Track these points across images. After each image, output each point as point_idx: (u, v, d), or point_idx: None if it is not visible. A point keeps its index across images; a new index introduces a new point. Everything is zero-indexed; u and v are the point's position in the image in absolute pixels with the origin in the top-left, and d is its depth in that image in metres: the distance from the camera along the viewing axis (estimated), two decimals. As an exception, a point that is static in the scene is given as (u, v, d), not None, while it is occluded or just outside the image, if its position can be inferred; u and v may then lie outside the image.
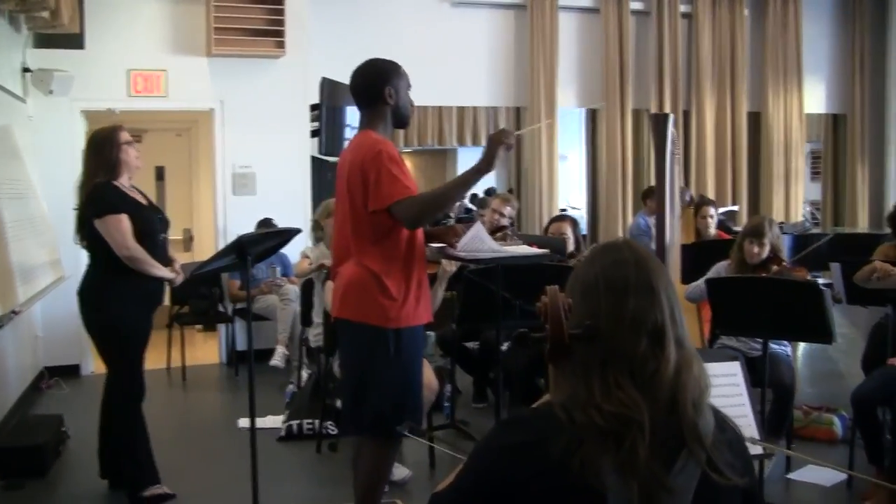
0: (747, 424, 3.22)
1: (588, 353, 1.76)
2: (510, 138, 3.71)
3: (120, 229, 4.67)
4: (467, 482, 1.81)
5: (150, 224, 4.85)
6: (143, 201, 4.95)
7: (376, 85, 3.83)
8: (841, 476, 5.20)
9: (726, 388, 3.26)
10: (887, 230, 7.88)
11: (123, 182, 4.85)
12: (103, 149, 4.81)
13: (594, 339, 1.76)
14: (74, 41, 7.88)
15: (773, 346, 5.20)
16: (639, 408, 1.69)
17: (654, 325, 1.75)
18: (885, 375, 5.03)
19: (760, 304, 4.74)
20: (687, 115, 11.19)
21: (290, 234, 4.98)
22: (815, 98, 12.04)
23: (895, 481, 4.64)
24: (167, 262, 4.95)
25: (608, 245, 1.93)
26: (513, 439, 1.76)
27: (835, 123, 12.36)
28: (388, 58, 3.97)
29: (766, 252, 5.39)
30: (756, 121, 11.68)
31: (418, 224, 3.78)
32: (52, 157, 7.79)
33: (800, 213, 11.77)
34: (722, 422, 1.84)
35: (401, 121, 3.93)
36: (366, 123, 3.88)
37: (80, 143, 8.04)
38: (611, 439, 1.68)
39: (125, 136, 4.89)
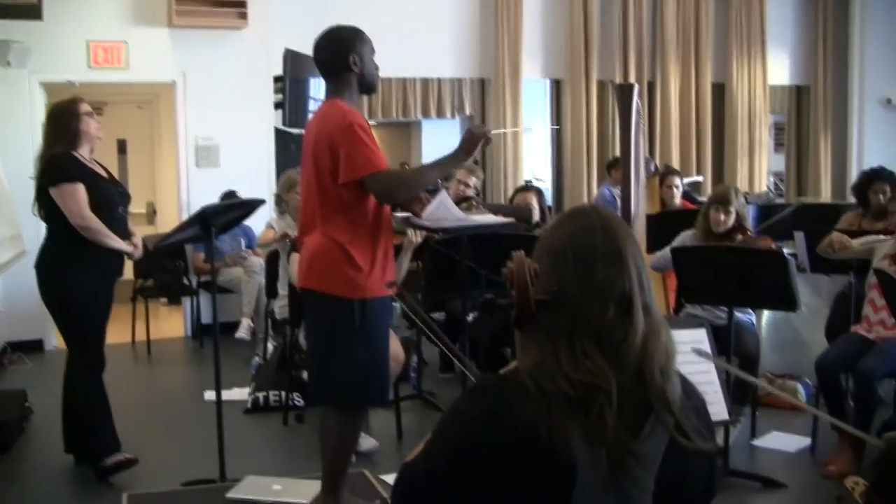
0: (713, 391, 3.25)
1: (555, 321, 1.74)
2: (488, 131, 3.71)
3: (75, 198, 4.59)
4: (436, 451, 1.80)
5: (108, 196, 4.76)
6: (104, 174, 4.87)
7: (341, 53, 3.79)
8: (805, 442, 5.26)
9: (693, 355, 3.27)
10: (851, 200, 7.99)
11: (83, 154, 4.77)
12: (62, 119, 4.74)
13: (561, 305, 1.74)
14: (32, 11, 7.76)
15: (738, 315, 5.23)
16: (606, 376, 1.68)
17: (621, 293, 1.73)
18: (848, 343, 5.08)
19: (726, 272, 4.76)
20: (651, 86, 11.19)
21: (253, 205, 4.95)
22: (779, 70, 12.08)
23: (858, 447, 4.71)
24: (126, 236, 4.86)
25: (576, 211, 1.90)
26: (480, 408, 1.75)
27: (798, 95, 12.42)
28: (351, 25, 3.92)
29: (731, 220, 5.41)
30: (720, 92, 11.71)
31: (390, 199, 3.77)
32: (10, 130, 7.69)
33: (763, 183, 11.83)
34: (688, 388, 1.83)
35: (368, 87, 3.89)
36: (332, 92, 3.84)
37: (39, 116, 7.95)
38: (578, 407, 1.66)
39: (85, 107, 4.80)
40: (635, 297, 1.75)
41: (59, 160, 4.67)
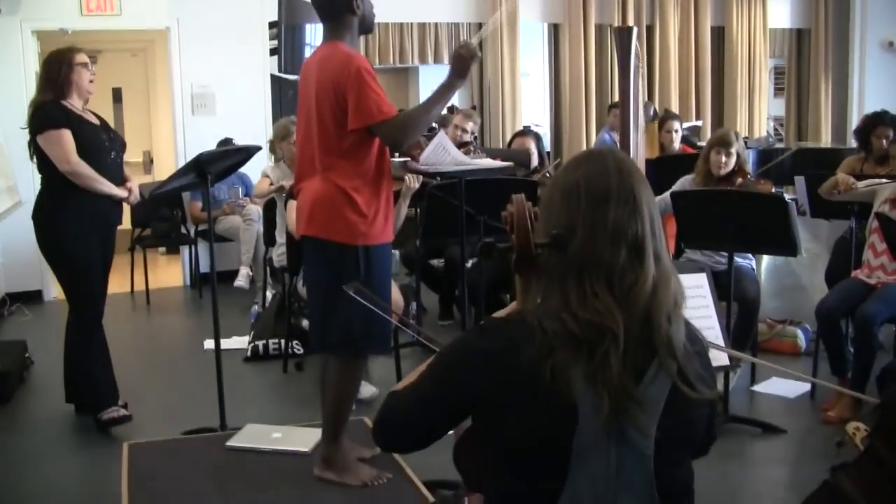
0: (714, 336, 3.24)
1: (562, 262, 1.72)
2: (475, 49, 3.64)
3: (60, 144, 4.56)
4: (430, 384, 1.80)
5: (97, 142, 4.72)
6: (94, 121, 4.81)
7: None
8: (804, 387, 5.27)
9: (694, 300, 3.26)
10: (851, 144, 7.94)
11: (73, 103, 4.70)
12: (53, 67, 4.68)
13: (568, 246, 1.72)
14: (22, -43, 7.65)
15: (738, 260, 5.21)
16: (614, 317, 1.67)
17: (634, 237, 1.72)
18: (848, 288, 5.07)
19: (726, 217, 4.73)
20: (650, 29, 11.07)
21: (250, 151, 4.90)
22: (779, 13, 11.95)
23: (857, 391, 4.71)
24: (120, 182, 4.82)
25: (592, 152, 1.89)
26: (482, 345, 1.74)
27: (798, 39, 12.30)
28: None
29: (732, 162, 5.37)
30: (720, 36, 11.60)
31: (401, 145, 3.72)
32: (2, 79, 7.61)
33: (763, 128, 11.76)
34: (692, 333, 1.82)
35: (367, 27, 3.82)
36: (331, 34, 3.72)
37: (32, 65, 7.90)
38: (583, 348, 1.65)
39: (81, 57, 4.72)
40: (647, 242, 1.73)
41: (44, 108, 4.63)
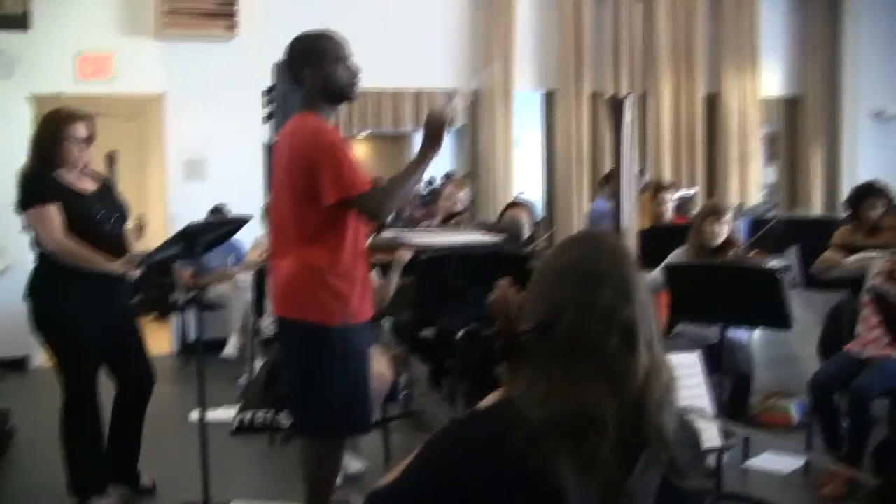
0: (705, 416, 3.18)
1: (551, 347, 1.68)
2: (446, 113, 3.60)
3: (44, 222, 4.31)
4: (414, 480, 1.73)
5: (89, 214, 4.44)
6: (89, 187, 4.54)
7: (295, 68, 3.64)
8: (798, 463, 5.20)
9: (686, 380, 3.22)
10: (843, 214, 7.94)
11: (63, 174, 4.45)
12: (43, 137, 4.45)
13: (549, 333, 1.68)
14: (19, 22, 7.70)
15: (732, 333, 5.17)
16: (604, 406, 1.62)
17: (626, 322, 1.67)
18: (842, 361, 5.04)
19: (718, 291, 4.72)
20: (644, 97, 11.15)
21: (240, 222, 4.86)
22: (772, 81, 12.04)
23: (852, 466, 4.64)
24: (120, 253, 4.53)
25: (583, 235, 1.88)
26: (467, 436, 1.69)
27: (790, 107, 12.39)
28: (360, 48, 3.76)
29: (726, 230, 5.36)
30: (713, 104, 11.68)
31: (380, 218, 3.67)
32: (-5, 143, 7.61)
33: (756, 196, 11.79)
34: (684, 422, 1.78)
35: (335, 97, 3.67)
36: (303, 104, 3.68)
37: (25, 129, 7.87)
38: (571, 438, 1.60)
39: (72, 129, 4.45)
40: (639, 328, 1.69)
41: (29, 180, 4.41)
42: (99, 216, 4.48)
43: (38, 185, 4.38)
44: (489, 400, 1.85)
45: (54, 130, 4.43)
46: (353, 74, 3.68)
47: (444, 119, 3.57)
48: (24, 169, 4.52)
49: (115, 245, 4.55)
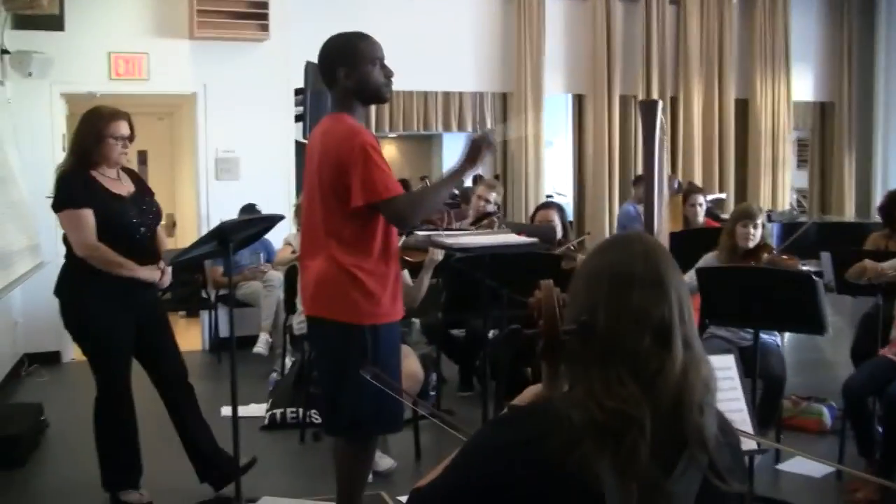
0: (742, 419, 3.17)
1: (587, 349, 1.68)
2: (493, 141, 3.63)
3: (78, 226, 4.29)
4: (455, 480, 1.73)
5: (124, 219, 4.40)
6: (125, 191, 4.50)
7: (328, 67, 3.61)
8: (830, 468, 5.16)
9: (721, 382, 3.18)
10: (876, 218, 7.88)
11: (103, 172, 4.43)
12: (83, 135, 4.41)
13: (593, 333, 1.68)
14: (54, 23, 7.75)
15: (763, 337, 5.14)
16: (640, 406, 1.62)
17: (660, 321, 1.67)
18: (876, 366, 4.98)
19: (752, 294, 4.67)
20: (674, 101, 11.14)
21: (272, 220, 4.86)
22: (803, 86, 12.01)
23: (886, 474, 4.60)
24: (151, 258, 4.54)
25: (620, 237, 1.88)
26: (507, 437, 1.69)
27: (822, 112, 12.33)
28: (391, 50, 3.70)
29: (759, 234, 5.34)
30: (743, 108, 11.65)
31: (405, 225, 3.66)
32: (31, 140, 7.68)
33: (787, 201, 11.74)
34: (724, 424, 1.77)
35: (367, 98, 3.67)
36: (335, 105, 3.66)
37: (59, 127, 7.99)
38: (610, 438, 1.60)
39: (113, 128, 4.39)
40: (675, 327, 1.68)
41: (67, 181, 4.39)
42: (134, 220, 4.47)
43: (74, 187, 4.36)
44: (526, 395, 1.85)
45: (96, 128, 4.39)
46: (388, 76, 3.67)
47: (491, 143, 3.62)
48: (61, 167, 4.52)
49: (148, 249, 4.56)
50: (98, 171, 4.43)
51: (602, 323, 1.68)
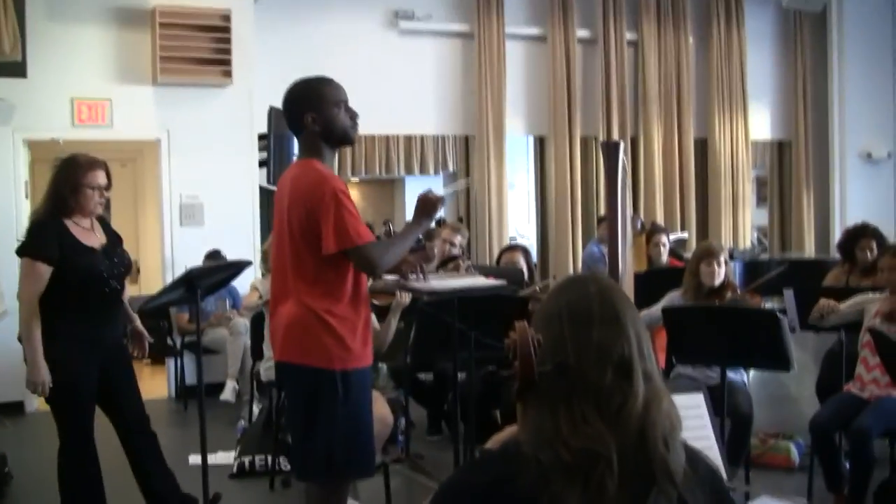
0: (713, 457, 3.18)
1: (554, 388, 1.71)
2: (440, 196, 3.70)
3: (30, 276, 4.24)
4: None
5: (92, 272, 4.36)
6: (97, 243, 4.46)
7: (295, 112, 3.62)
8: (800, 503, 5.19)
9: (691, 421, 3.22)
10: (835, 254, 8.00)
11: (76, 221, 4.40)
12: (59, 183, 4.38)
13: (565, 374, 1.71)
14: (16, 69, 7.72)
15: (730, 374, 5.18)
16: (605, 442, 1.65)
17: (620, 357, 1.72)
18: (842, 402, 5.04)
19: (717, 332, 4.74)
20: (634, 142, 11.26)
21: (240, 266, 4.86)
22: (760, 125, 12.20)
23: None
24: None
25: (573, 278, 1.91)
26: (479, 479, 1.72)
27: (780, 150, 12.52)
28: (353, 94, 3.73)
29: (723, 272, 5.40)
30: (703, 147, 11.80)
31: (376, 272, 3.65)
32: (-8, 187, 7.64)
33: (748, 238, 11.87)
34: (694, 458, 1.79)
35: (336, 141, 3.68)
36: (303, 151, 3.67)
37: (22, 174, 7.93)
38: (578, 476, 1.62)
39: (90, 177, 4.38)
40: (634, 361, 1.73)
41: (37, 229, 4.37)
42: (104, 274, 4.42)
43: (42, 237, 4.32)
44: (499, 437, 1.88)
45: (73, 177, 4.37)
46: (353, 117, 3.70)
47: (438, 201, 3.68)
48: (35, 214, 4.51)
49: (112, 305, 4.53)
50: (72, 219, 4.39)
51: (567, 362, 1.72)
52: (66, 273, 4.30)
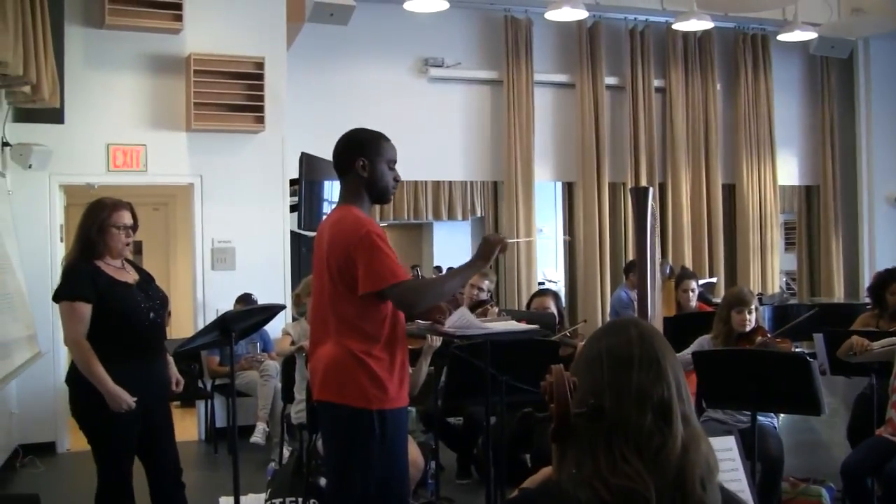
0: (746, 500, 3.19)
1: (593, 429, 1.75)
2: (504, 239, 3.74)
3: (72, 318, 4.31)
4: None
5: (131, 305, 4.43)
6: (131, 279, 4.54)
7: (348, 155, 3.73)
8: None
9: (723, 464, 3.23)
10: (864, 299, 7.97)
11: (108, 262, 4.46)
12: (87, 226, 4.46)
13: (599, 416, 1.75)
14: (54, 116, 7.86)
15: (760, 419, 5.18)
16: (645, 482, 1.68)
17: (659, 400, 1.75)
18: (873, 446, 5.02)
19: (747, 376, 4.73)
20: (663, 187, 11.29)
21: (273, 310, 4.92)
22: (788, 170, 12.21)
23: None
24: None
25: (615, 323, 1.95)
26: None
27: (808, 195, 12.52)
28: (379, 131, 3.85)
29: (754, 318, 5.42)
30: (731, 193, 11.82)
31: (412, 310, 3.71)
32: (29, 231, 7.76)
33: (776, 283, 11.84)
34: (730, 501, 1.82)
35: (376, 196, 3.79)
36: (344, 197, 3.79)
37: (58, 218, 8.06)
38: (618, 515, 1.66)
39: (116, 217, 4.46)
40: (674, 404, 1.76)
41: (69, 273, 4.45)
42: (142, 305, 4.49)
43: (75, 279, 4.39)
44: (537, 478, 1.91)
45: (99, 219, 4.46)
46: (396, 180, 3.83)
47: (503, 242, 3.73)
48: (66, 259, 4.58)
49: (156, 337, 4.57)
50: (103, 261, 4.46)
51: (606, 403, 1.75)
52: (106, 311, 4.36)
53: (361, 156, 3.71)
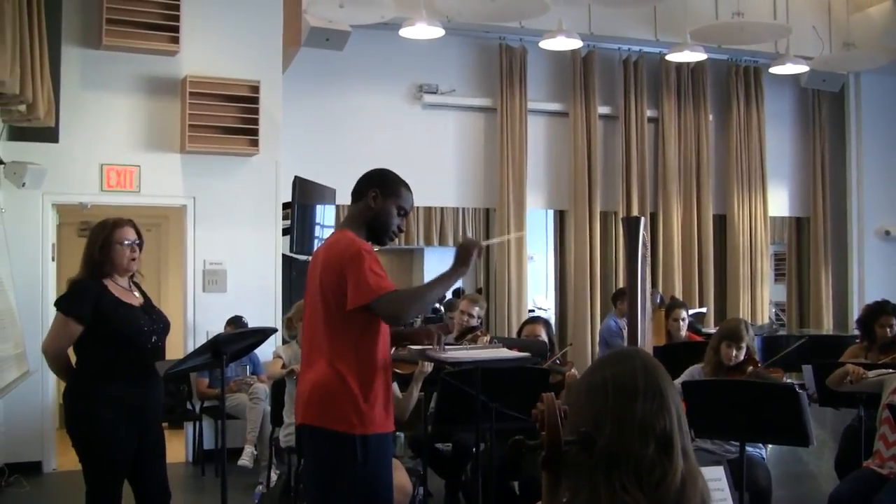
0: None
1: (592, 457, 1.75)
2: (478, 242, 3.76)
3: (59, 331, 4.37)
4: None
5: (135, 327, 4.45)
6: (136, 302, 4.56)
7: (366, 183, 3.81)
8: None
9: (712, 493, 3.24)
10: (854, 331, 8.01)
11: (115, 281, 4.48)
12: (92, 246, 4.47)
13: (591, 445, 1.76)
14: (49, 135, 7.87)
15: (748, 449, 5.19)
16: None
17: (662, 431, 1.76)
18: (861, 478, 5.04)
19: (737, 406, 4.74)
20: (654, 217, 11.33)
21: (265, 333, 4.92)
22: (779, 202, 12.27)
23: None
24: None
25: (618, 353, 1.96)
26: None
27: (798, 226, 12.58)
28: (375, 166, 3.94)
29: (742, 355, 5.43)
30: (722, 224, 11.87)
31: (400, 320, 3.72)
32: (21, 249, 7.74)
33: (766, 314, 11.87)
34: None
35: (375, 232, 3.83)
36: (346, 222, 3.84)
37: (50, 237, 8.05)
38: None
39: (119, 234, 4.48)
40: (675, 437, 1.77)
41: (77, 286, 4.46)
42: (145, 328, 4.51)
43: (79, 296, 4.41)
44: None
45: (102, 237, 4.48)
46: (399, 228, 3.90)
47: (477, 244, 3.74)
48: (74, 277, 4.56)
49: (157, 358, 4.59)
50: (111, 280, 4.48)
51: (607, 433, 1.76)
52: (107, 331, 4.38)
53: (377, 188, 3.79)
